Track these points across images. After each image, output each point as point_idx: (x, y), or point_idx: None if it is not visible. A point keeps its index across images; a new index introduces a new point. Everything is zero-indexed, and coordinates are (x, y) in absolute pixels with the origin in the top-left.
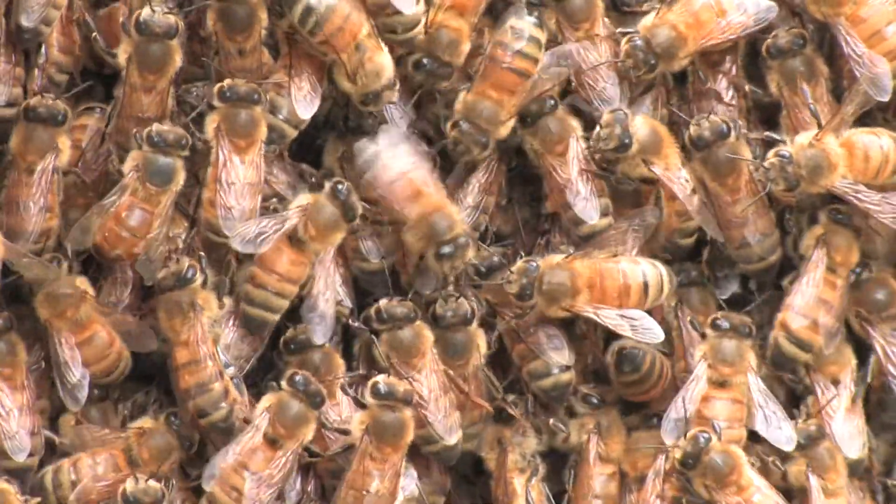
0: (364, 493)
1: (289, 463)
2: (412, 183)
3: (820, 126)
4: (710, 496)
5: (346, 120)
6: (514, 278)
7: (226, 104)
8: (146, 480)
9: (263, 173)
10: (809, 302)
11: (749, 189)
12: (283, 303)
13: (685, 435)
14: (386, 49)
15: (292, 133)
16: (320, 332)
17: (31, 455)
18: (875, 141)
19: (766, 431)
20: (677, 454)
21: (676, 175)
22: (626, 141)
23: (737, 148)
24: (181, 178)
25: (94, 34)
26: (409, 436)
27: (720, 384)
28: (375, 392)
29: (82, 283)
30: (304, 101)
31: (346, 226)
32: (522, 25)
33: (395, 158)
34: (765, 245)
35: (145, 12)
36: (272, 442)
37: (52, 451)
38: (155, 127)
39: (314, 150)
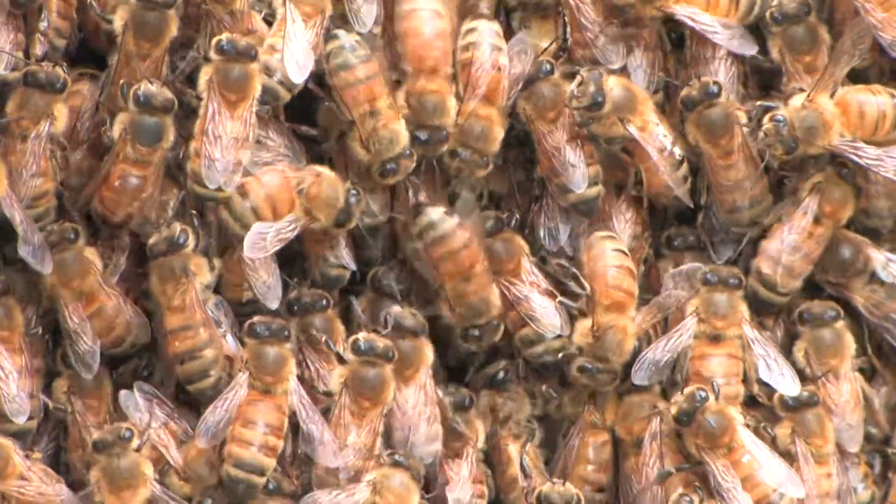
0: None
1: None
2: (468, 258)
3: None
4: (700, 456)
5: None
6: None
7: (222, 57)
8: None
9: (253, 129)
10: (786, 249)
11: (743, 152)
12: (241, 231)
13: (682, 391)
14: (403, 120)
15: (286, 95)
16: (272, 299)
17: (30, 418)
18: (871, 98)
19: (770, 378)
20: (673, 410)
21: (654, 132)
22: (599, 99)
23: (728, 108)
24: (171, 135)
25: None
26: (389, 392)
27: (714, 339)
28: (356, 348)
29: (92, 254)
30: (296, 66)
31: (333, 219)
32: (478, 24)
33: (461, 228)
34: (756, 210)
35: None
36: (266, 392)
37: (45, 415)
38: (143, 87)
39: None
